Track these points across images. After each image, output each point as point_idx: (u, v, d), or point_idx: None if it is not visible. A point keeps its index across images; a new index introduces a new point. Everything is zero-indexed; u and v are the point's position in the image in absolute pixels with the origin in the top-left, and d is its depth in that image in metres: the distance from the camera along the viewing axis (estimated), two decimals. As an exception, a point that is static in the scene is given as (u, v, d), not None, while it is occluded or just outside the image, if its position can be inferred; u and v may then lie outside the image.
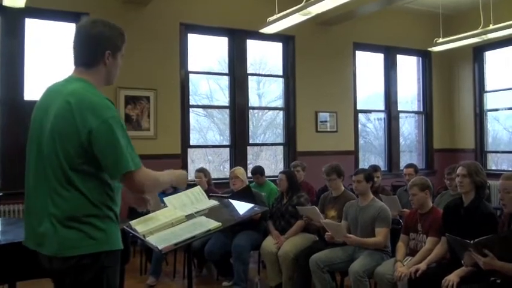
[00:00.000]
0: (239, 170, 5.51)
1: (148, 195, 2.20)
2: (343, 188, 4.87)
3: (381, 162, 9.16)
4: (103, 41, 2.03)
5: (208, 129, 8.03)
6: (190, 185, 3.08)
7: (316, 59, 8.26)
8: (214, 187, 5.93)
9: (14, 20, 6.19)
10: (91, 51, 2.03)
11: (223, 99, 7.93)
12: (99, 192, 1.95)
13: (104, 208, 1.95)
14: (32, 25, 6.38)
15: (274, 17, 5.86)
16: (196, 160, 7.69)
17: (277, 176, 5.26)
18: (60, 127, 1.92)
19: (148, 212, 2.64)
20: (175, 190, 5.45)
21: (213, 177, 6.25)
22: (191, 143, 7.51)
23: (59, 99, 1.95)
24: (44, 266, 2.00)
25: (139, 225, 2.57)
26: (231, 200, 3.26)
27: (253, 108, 8.18)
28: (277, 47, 8.29)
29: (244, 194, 4.77)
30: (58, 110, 1.93)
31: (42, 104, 2.05)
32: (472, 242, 2.93)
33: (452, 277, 3.20)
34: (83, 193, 1.90)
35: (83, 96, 1.93)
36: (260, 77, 8.36)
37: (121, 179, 1.94)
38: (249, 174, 6.29)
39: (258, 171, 6.10)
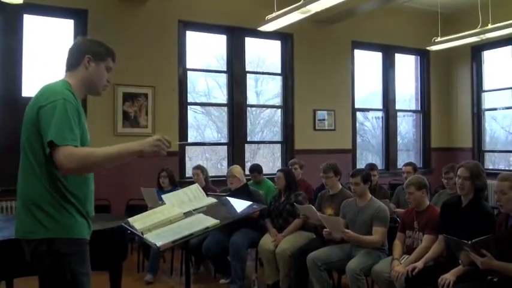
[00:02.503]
0: (236, 168, 5.51)
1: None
2: (340, 186, 4.87)
3: (378, 160, 9.17)
4: (83, 46, 2.25)
5: (206, 126, 8.02)
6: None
7: (314, 57, 8.26)
8: (211, 184, 5.93)
9: (13, 16, 6.17)
10: (73, 56, 2.25)
11: (221, 96, 7.92)
12: (55, 181, 2.04)
13: (59, 198, 2.05)
14: (30, 22, 6.36)
15: (273, 14, 5.86)
16: (193, 158, 7.69)
17: (275, 174, 5.26)
18: (26, 116, 2.10)
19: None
20: (173, 188, 5.49)
21: (210, 174, 6.25)
22: (189, 141, 7.50)
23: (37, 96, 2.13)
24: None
25: (137, 222, 2.58)
26: (229, 198, 3.26)
27: (251, 106, 8.17)
28: (276, 45, 8.28)
29: (242, 192, 4.78)
30: (30, 102, 2.12)
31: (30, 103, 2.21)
32: (469, 242, 2.93)
33: (449, 276, 3.21)
34: (41, 181, 2.03)
35: (48, 87, 2.12)
36: (258, 75, 8.35)
37: (54, 157, 1.95)
38: (247, 172, 6.30)
39: (256, 169, 6.10)
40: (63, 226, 2.05)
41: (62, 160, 1.93)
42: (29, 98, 2.25)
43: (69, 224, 2.07)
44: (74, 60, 2.23)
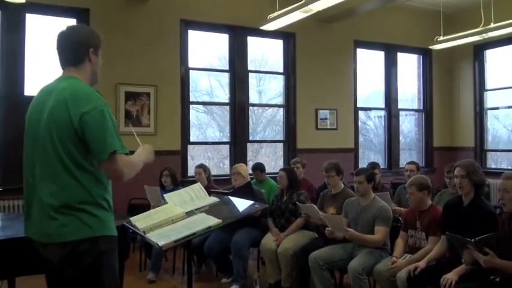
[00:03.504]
0: (241, 166, 5.51)
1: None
2: (342, 185, 4.87)
3: (380, 160, 9.15)
4: (85, 41, 2.21)
5: (208, 125, 8.02)
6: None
7: (316, 56, 8.25)
8: (213, 183, 5.93)
9: (15, 15, 6.18)
10: (76, 51, 2.20)
11: (224, 96, 7.92)
12: (93, 180, 2.06)
13: (96, 196, 2.06)
14: (32, 21, 6.36)
15: (275, 14, 5.85)
16: (196, 157, 7.69)
17: (276, 173, 5.26)
18: (55, 118, 2.04)
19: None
20: (175, 187, 5.50)
21: (212, 173, 6.25)
22: (191, 140, 7.51)
23: (54, 95, 2.09)
24: (43, 258, 2.09)
25: (139, 222, 2.58)
26: (231, 197, 3.26)
27: (254, 105, 8.17)
28: (278, 44, 8.27)
29: (245, 190, 4.78)
30: (54, 103, 2.07)
31: (37, 102, 2.18)
32: (473, 240, 2.93)
33: (451, 275, 3.21)
34: (78, 181, 2.02)
35: (76, 89, 2.08)
36: (260, 74, 8.34)
37: (105, 162, 2.02)
38: (249, 171, 6.29)
39: (259, 167, 6.09)
40: (106, 224, 2.09)
41: (121, 167, 2.03)
42: (31, 97, 2.25)
43: (109, 221, 2.12)
44: (78, 55, 2.19)
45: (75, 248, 2.00)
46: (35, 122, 2.11)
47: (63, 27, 2.24)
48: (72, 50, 2.19)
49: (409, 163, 6.16)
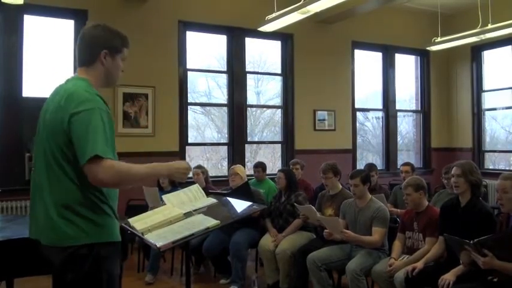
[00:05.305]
0: (239, 167, 5.53)
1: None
2: (340, 186, 4.88)
3: (378, 160, 9.18)
4: (99, 41, 2.14)
5: (206, 126, 8.03)
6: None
7: (314, 57, 8.26)
8: (212, 184, 5.94)
9: (13, 16, 6.17)
10: (88, 50, 2.14)
11: (222, 97, 7.93)
12: (93, 185, 1.98)
13: (96, 201, 2.02)
14: (30, 22, 6.36)
15: (273, 15, 5.86)
16: (194, 158, 7.69)
17: (275, 174, 5.27)
18: (51, 120, 2.02)
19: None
20: (173, 188, 5.49)
21: (210, 175, 6.26)
22: (189, 141, 7.51)
23: (57, 97, 2.05)
24: (46, 259, 2.07)
25: (137, 223, 2.58)
26: (229, 198, 3.26)
27: (252, 106, 8.17)
28: (276, 45, 8.28)
29: (243, 190, 4.79)
30: (53, 104, 2.04)
31: (46, 103, 2.15)
32: (471, 241, 2.94)
33: (449, 276, 3.22)
34: (76, 185, 1.98)
35: (74, 90, 2.02)
36: (258, 75, 8.34)
37: (85, 166, 1.91)
38: (248, 172, 6.31)
39: (261, 165, 6.14)
40: (104, 230, 2.03)
41: (99, 172, 1.89)
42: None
43: (109, 226, 2.05)
44: (90, 56, 2.14)
45: (75, 252, 1.97)
46: (40, 123, 2.11)
47: (86, 25, 2.20)
48: (84, 51, 2.15)
49: (403, 164, 6.16)
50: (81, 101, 1.97)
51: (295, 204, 4.76)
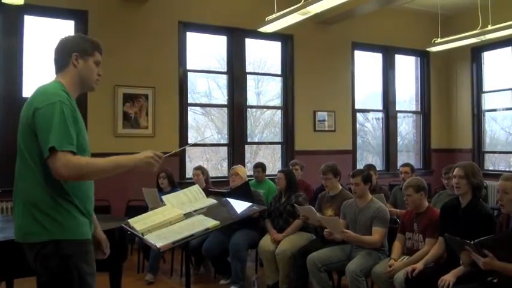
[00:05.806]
0: (240, 168, 5.53)
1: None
2: (340, 187, 4.88)
3: (378, 161, 9.18)
4: (70, 45, 2.23)
5: (206, 127, 8.02)
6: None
7: (314, 58, 8.27)
8: (212, 185, 5.94)
9: (13, 17, 6.17)
10: (61, 55, 2.24)
11: (222, 97, 7.93)
12: (55, 182, 2.03)
13: (59, 199, 2.05)
14: (31, 22, 6.36)
15: (273, 16, 5.86)
16: (194, 158, 7.69)
17: (275, 175, 5.27)
18: (21, 119, 2.10)
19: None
20: (172, 188, 5.50)
21: (210, 175, 6.26)
22: (189, 142, 7.50)
23: (29, 98, 2.14)
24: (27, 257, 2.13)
25: (137, 224, 2.59)
26: (229, 199, 3.26)
27: (252, 107, 8.18)
28: (276, 46, 8.28)
29: (243, 190, 4.79)
30: (25, 106, 2.12)
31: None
32: (472, 242, 2.93)
33: (449, 277, 3.21)
34: (40, 183, 2.03)
35: (42, 90, 2.11)
36: (258, 76, 8.35)
37: (48, 159, 1.96)
38: (248, 173, 6.31)
39: (261, 165, 6.15)
40: (66, 228, 2.05)
41: (58, 166, 1.94)
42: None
43: (72, 225, 2.07)
44: (62, 61, 2.22)
45: (41, 250, 2.02)
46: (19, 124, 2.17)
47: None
48: (57, 57, 2.24)
49: (403, 165, 6.14)
50: (46, 97, 2.04)
51: (295, 204, 4.76)
